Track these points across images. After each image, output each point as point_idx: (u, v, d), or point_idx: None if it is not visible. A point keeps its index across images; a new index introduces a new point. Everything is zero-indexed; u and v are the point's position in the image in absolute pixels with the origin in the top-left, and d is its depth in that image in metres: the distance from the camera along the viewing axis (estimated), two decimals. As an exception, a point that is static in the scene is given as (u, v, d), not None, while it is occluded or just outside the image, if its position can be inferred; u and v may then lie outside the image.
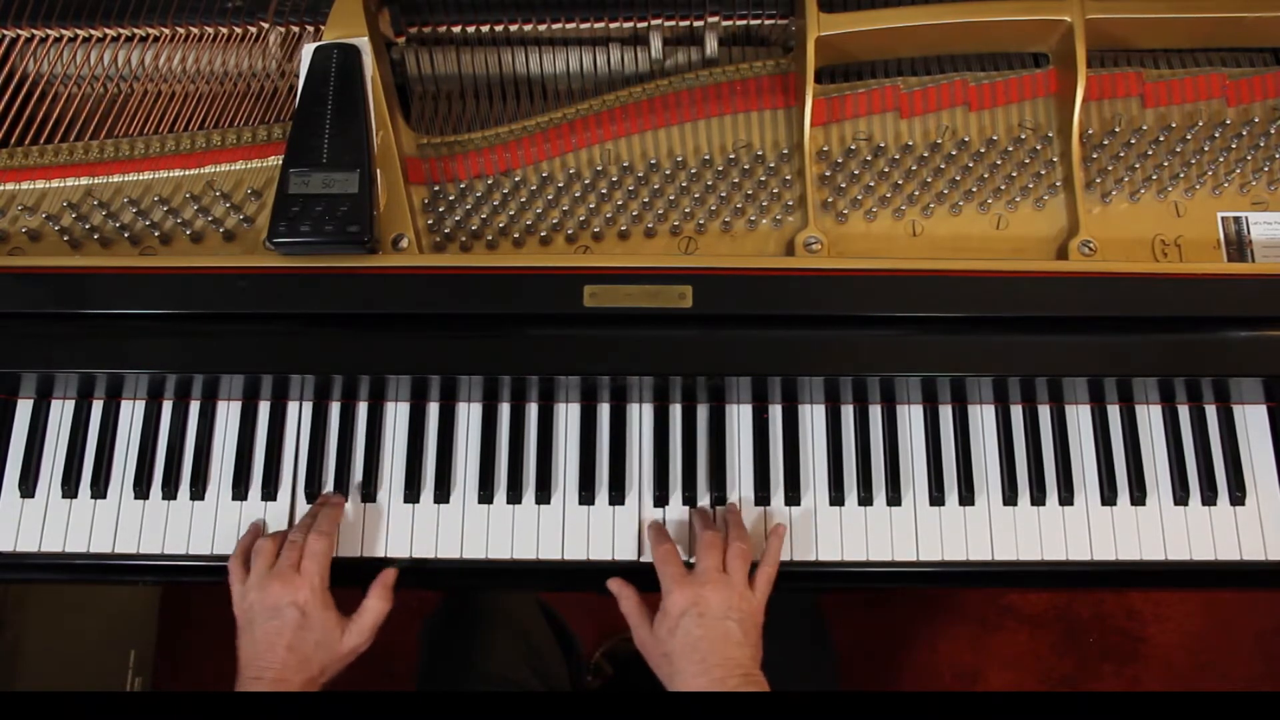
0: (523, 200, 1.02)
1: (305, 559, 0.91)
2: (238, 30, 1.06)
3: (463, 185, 1.02)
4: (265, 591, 0.90)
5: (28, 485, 1.00)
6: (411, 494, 1.00)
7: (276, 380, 1.00)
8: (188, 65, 1.07)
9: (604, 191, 1.02)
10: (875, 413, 1.02)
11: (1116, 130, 1.03)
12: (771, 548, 0.95)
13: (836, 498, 1.00)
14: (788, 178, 1.02)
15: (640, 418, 1.02)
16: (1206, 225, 1.01)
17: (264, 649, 0.88)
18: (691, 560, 0.96)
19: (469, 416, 1.02)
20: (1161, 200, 1.02)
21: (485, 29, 1.06)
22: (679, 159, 1.02)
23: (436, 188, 1.02)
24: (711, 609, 0.87)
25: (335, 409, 1.03)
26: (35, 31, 1.06)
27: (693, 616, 0.87)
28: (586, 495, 0.99)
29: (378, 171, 0.96)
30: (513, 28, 1.06)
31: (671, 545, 0.93)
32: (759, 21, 1.05)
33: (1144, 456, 1.01)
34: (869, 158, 1.02)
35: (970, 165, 1.02)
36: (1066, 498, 1.00)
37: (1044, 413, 1.02)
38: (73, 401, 1.03)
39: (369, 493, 1.00)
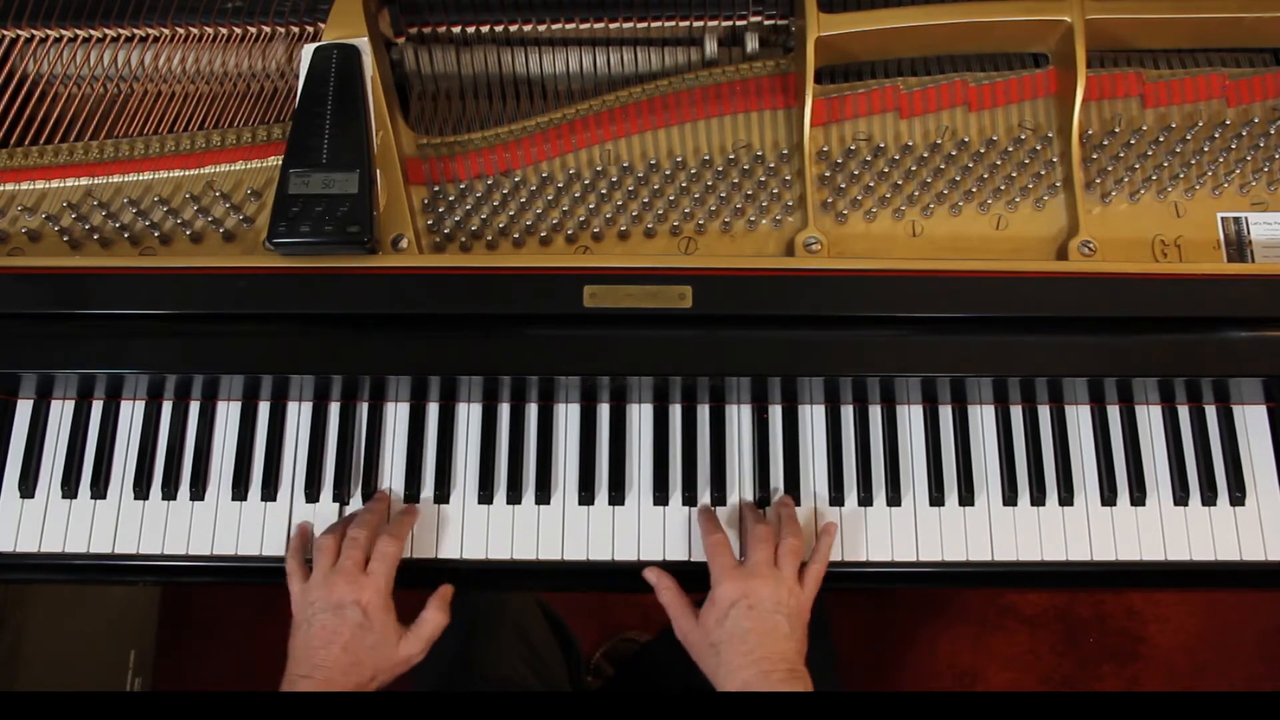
0: (523, 200, 1.02)
1: (375, 560, 0.91)
2: (238, 30, 1.06)
3: (463, 185, 1.02)
4: (330, 589, 0.89)
5: (28, 485, 1.00)
6: (411, 494, 1.00)
7: (276, 380, 1.00)
8: (188, 65, 1.07)
9: (604, 192, 1.02)
10: (875, 413, 1.02)
11: (1116, 130, 1.03)
12: (822, 546, 0.95)
13: (836, 498, 1.00)
14: (787, 178, 1.02)
15: (640, 418, 1.02)
16: (1206, 225, 1.01)
17: (319, 645, 0.87)
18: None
19: (469, 416, 1.02)
20: (1161, 200, 1.02)
21: (485, 29, 1.06)
22: (679, 159, 1.02)
23: (436, 188, 1.02)
24: (762, 602, 0.88)
25: (335, 409, 1.03)
26: (35, 31, 1.06)
27: (742, 608, 0.88)
28: (586, 495, 1.00)
29: (378, 171, 0.97)
30: (513, 28, 1.06)
31: (723, 535, 0.93)
32: (759, 21, 1.05)
33: (1144, 457, 1.01)
34: (869, 158, 1.02)
35: (970, 165, 1.02)
36: (1066, 498, 1.00)
37: (1044, 413, 1.02)
38: (73, 401, 1.03)
39: (369, 493, 1.00)
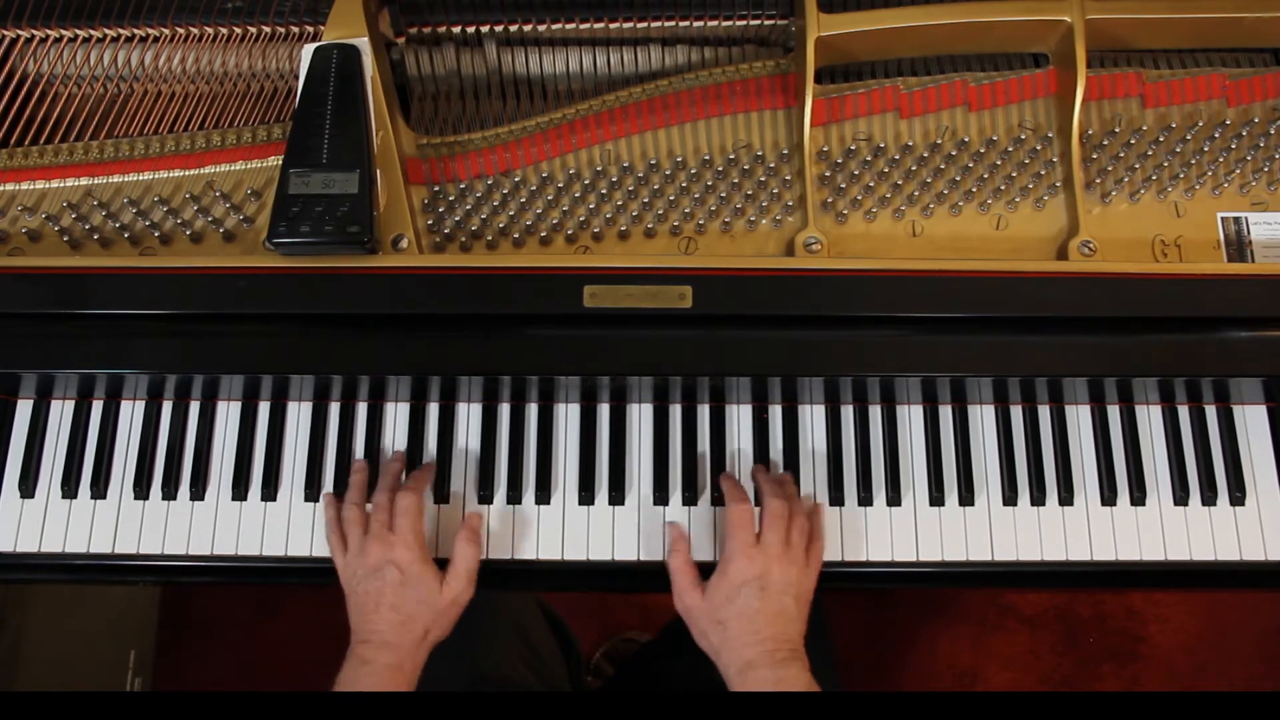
0: (523, 200, 1.02)
1: (395, 516, 0.92)
2: (237, 30, 1.06)
3: (463, 185, 1.02)
4: (365, 555, 0.91)
5: (28, 485, 1.00)
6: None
7: (276, 380, 1.00)
8: (188, 65, 1.07)
9: (604, 192, 1.02)
10: (875, 413, 1.02)
11: (1116, 130, 1.03)
12: (816, 525, 0.96)
13: (836, 498, 1.00)
14: (787, 178, 1.02)
15: (640, 418, 1.02)
16: (1206, 225, 1.01)
17: (369, 611, 0.89)
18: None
19: (469, 416, 1.02)
20: (1161, 200, 1.02)
21: (485, 29, 1.06)
22: (679, 159, 1.02)
23: (436, 188, 1.02)
24: (773, 583, 0.88)
25: (335, 409, 1.03)
26: (35, 31, 1.06)
27: (754, 588, 0.88)
28: (586, 495, 0.99)
29: (378, 171, 0.97)
30: (513, 28, 1.06)
31: (750, 507, 0.93)
32: (759, 21, 1.05)
33: (1144, 457, 1.01)
34: (869, 158, 1.02)
35: (970, 165, 1.02)
36: (1066, 498, 1.00)
37: (1044, 413, 1.02)
38: (73, 401, 1.03)
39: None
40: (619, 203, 1.01)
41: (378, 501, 0.94)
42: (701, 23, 1.05)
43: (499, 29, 1.06)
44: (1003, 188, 1.01)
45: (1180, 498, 1.00)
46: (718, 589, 0.89)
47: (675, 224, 1.01)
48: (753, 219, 1.01)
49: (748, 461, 1.01)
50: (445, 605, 0.92)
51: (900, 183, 1.01)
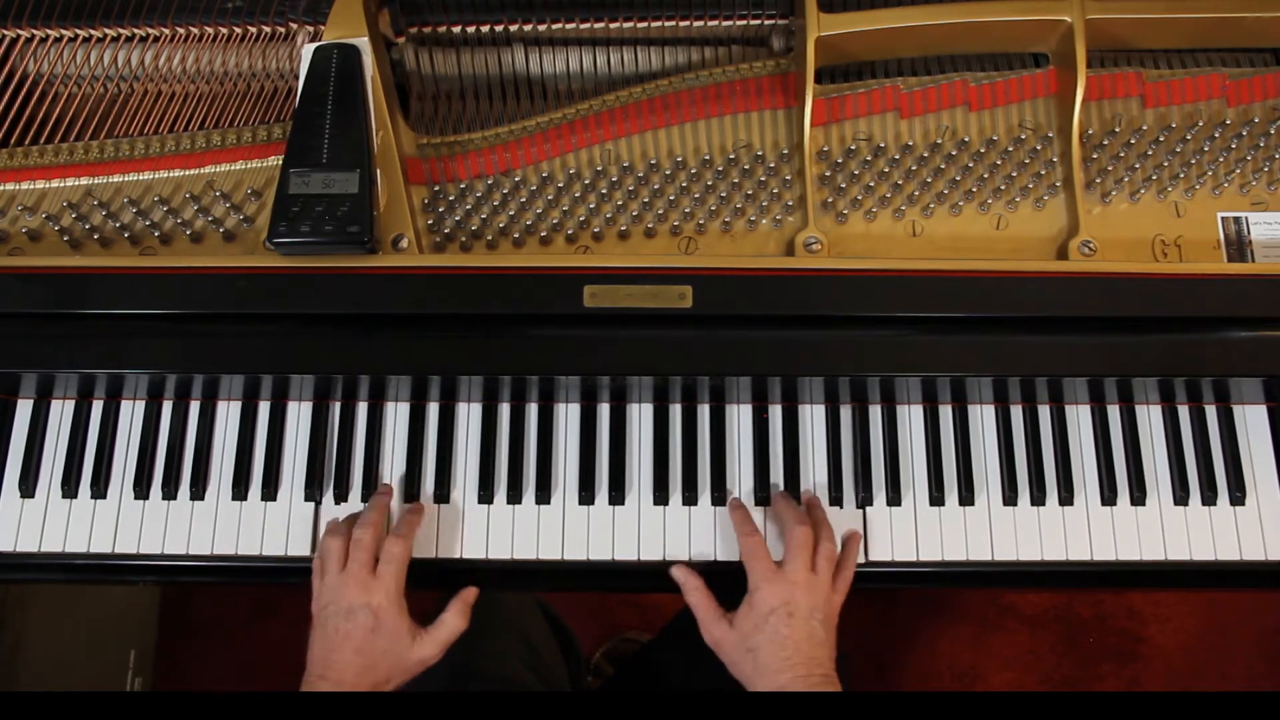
0: (523, 200, 1.02)
1: (383, 562, 0.90)
2: (238, 30, 1.06)
3: (463, 185, 1.02)
4: (340, 593, 0.89)
5: (28, 485, 1.00)
6: (411, 494, 1.00)
7: (276, 380, 1.00)
8: (188, 65, 1.07)
9: (604, 191, 1.02)
10: (875, 413, 1.02)
11: (1116, 130, 1.03)
12: (849, 551, 0.96)
13: (835, 498, 1.00)
14: (788, 178, 1.02)
15: (640, 418, 1.02)
16: (1206, 225, 1.01)
17: (332, 649, 0.88)
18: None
19: (469, 416, 1.02)
20: (1161, 200, 1.02)
21: (485, 29, 1.06)
22: (679, 159, 1.02)
23: (436, 188, 1.02)
24: (800, 609, 0.88)
25: (335, 409, 1.03)
26: (35, 31, 1.06)
27: (782, 615, 0.88)
28: (586, 495, 0.99)
29: (378, 171, 0.97)
30: (513, 27, 1.06)
31: (761, 538, 0.93)
32: (759, 21, 1.05)
33: (1144, 456, 1.01)
34: (869, 158, 1.02)
35: (970, 165, 1.02)
36: (1066, 498, 1.00)
37: (1044, 413, 1.02)
38: (73, 401, 1.03)
39: (369, 493, 1.00)
40: (619, 202, 1.01)
41: (359, 538, 0.91)
42: (702, 23, 1.05)
43: (499, 29, 1.06)
44: (1003, 188, 1.01)
45: (1180, 497, 1.00)
46: (746, 618, 0.90)
47: (675, 224, 1.01)
48: (753, 219, 1.01)
49: (748, 461, 1.01)
50: (411, 664, 0.90)
51: (900, 182, 1.01)
